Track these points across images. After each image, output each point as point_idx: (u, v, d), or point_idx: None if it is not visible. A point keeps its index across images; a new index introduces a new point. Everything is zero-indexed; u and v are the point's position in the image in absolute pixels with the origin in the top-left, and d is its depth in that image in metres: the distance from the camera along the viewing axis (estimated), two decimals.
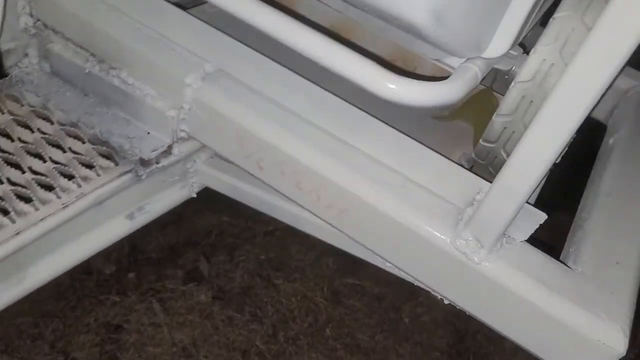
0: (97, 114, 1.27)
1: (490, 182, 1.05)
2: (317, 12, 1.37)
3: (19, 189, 1.07)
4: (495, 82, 1.24)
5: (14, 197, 1.05)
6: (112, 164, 1.17)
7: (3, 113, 1.20)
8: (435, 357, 1.92)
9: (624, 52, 0.74)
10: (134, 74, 1.23)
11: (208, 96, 1.17)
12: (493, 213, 0.96)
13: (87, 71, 1.27)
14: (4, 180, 1.07)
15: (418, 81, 0.84)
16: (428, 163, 1.08)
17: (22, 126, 1.20)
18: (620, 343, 0.93)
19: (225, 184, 1.40)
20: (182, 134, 1.25)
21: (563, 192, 1.58)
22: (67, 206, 1.06)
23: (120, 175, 1.16)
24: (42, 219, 1.03)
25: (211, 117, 1.18)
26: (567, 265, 1.05)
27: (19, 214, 1.03)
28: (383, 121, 1.12)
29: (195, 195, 1.42)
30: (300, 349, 1.84)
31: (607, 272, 1.03)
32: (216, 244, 2.05)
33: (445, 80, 0.84)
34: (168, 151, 1.25)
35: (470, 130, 1.23)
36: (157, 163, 1.23)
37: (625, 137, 1.41)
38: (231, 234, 2.09)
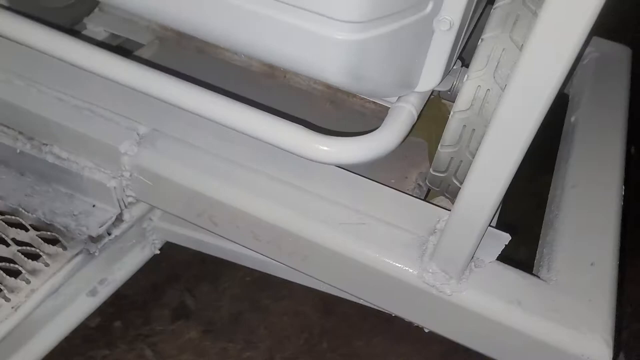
0: (38, 194, 1.21)
1: (448, 210, 1.03)
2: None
3: None
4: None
5: None
6: (60, 250, 1.12)
7: None
8: (435, 350, 1.91)
9: (561, 69, 0.69)
10: (66, 147, 1.17)
11: (147, 161, 1.12)
12: (455, 243, 0.93)
13: (18, 151, 1.21)
14: None
15: (351, 139, 0.79)
16: (383, 197, 1.04)
17: None
18: (604, 355, 0.91)
19: (187, 237, 1.36)
20: (130, 199, 1.20)
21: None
22: (18, 307, 1.01)
23: (71, 259, 1.11)
24: None
25: (155, 180, 1.13)
26: (540, 277, 1.02)
27: None
28: None
29: (158, 252, 1.38)
30: None
31: (582, 278, 1.00)
32: (198, 274, 2.00)
33: (379, 130, 0.80)
34: (119, 219, 1.19)
35: (424, 144, 1.19)
36: (109, 234, 1.18)
37: (585, 115, 1.37)
38: (212, 261, 2.05)
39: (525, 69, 0.71)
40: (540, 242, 1.14)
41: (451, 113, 0.87)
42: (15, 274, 1.07)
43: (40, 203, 1.19)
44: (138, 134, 1.13)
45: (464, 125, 0.87)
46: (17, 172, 1.24)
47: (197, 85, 0.97)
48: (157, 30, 1.39)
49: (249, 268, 2.01)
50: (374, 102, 1.23)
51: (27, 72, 1.19)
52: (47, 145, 1.19)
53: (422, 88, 0.85)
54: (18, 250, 1.10)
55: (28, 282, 1.05)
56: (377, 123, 1.19)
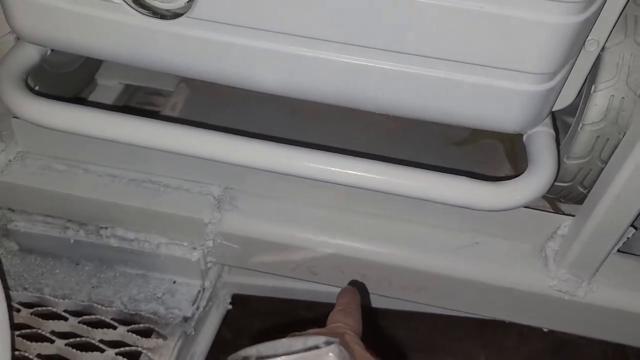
0: (106, 283, 1.09)
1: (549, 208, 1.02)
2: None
3: None
4: None
5: None
6: (160, 341, 1.01)
7: None
8: (474, 321, 1.95)
9: None
10: (133, 228, 1.05)
11: (233, 225, 1.02)
12: (591, 248, 0.93)
13: (72, 241, 1.07)
14: None
15: (511, 181, 0.75)
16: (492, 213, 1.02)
17: (35, 340, 1.00)
18: None
19: (257, 287, 1.28)
20: (209, 265, 1.10)
21: None
22: None
23: (175, 346, 1.01)
24: None
25: (242, 243, 1.04)
26: None
27: None
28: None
29: (230, 307, 1.29)
30: None
31: None
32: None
33: (536, 166, 0.77)
34: (201, 291, 1.10)
35: (498, 144, 1.17)
36: (198, 309, 1.08)
37: None
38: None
39: None
40: None
41: (580, 125, 0.86)
42: None
43: (114, 293, 1.07)
44: (214, 198, 1.03)
45: (598, 137, 0.85)
46: (71, 262, 1.11)
47: (280, 143, 0.88)
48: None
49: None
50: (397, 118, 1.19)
51: (66, 152, 1.04)
52: (106, 228, 1.06)
53: (558, 107, 0.82)
54: (116, 354, 0.99)
55: None
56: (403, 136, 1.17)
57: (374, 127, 1.22)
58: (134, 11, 0.69)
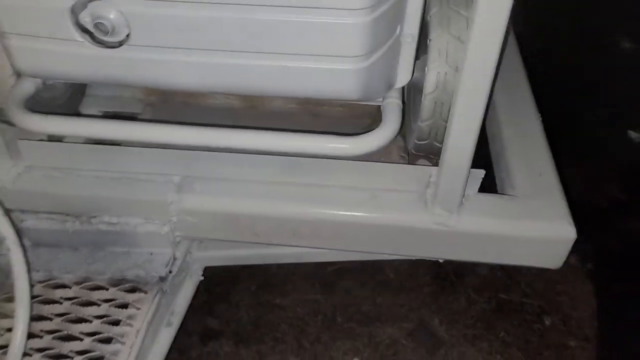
0: (99, 260, 1.42)
1: (431, 164, 1.36)
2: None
3: (87, 354, 1.23)
4: None
5: None
6: (142, 294, 1.34)
7: None
8: (428, 291, 2.26)
9: (497, 48, 1.02)
10: (116, 214, 1.39)
11: (190, 202, 1.36)
12: (449, 186, 1.26)
13: (70, 231, 1.41)
14: (71, 354, 1.22)
15: (368, 134, 1.10)
16: (382, 172, 1.35)
17: (48, 303, 1.33)
18: (571, 230, 1.28)
19: (222, 257, 1.61)
20: (178, 239, 1.43)
21: None
22: (132, 347, 1.24)
23: (153, 299, 1.33)
24: None
25: (199, 217, 1.38)
26: (508, 194, 1.38)
27: None
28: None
29: (202, 278, 1.62)
30: (326, 344, 2.10)
31: (537, 185, 1.37)
32: (210, 299, 2.23)
33: (384, 123, 1.11)
34: (172, 258, 1.43)
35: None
36: (171, 272, 1.41)
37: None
38: (216, 283, 2.27)
39: (472, 51, 1.04)
40: (495, 170, 1.50)
41: (423, 95, 1.20)
42: (116, 323, 1.29)
43: (105, 266, 1.40)
44: (174, 184, 1.37)
45: (435, 102, 1.20)
46: (71, 249, 1.44)
47: (217, 126, 1.22)
48: (143, 98, 1.62)
49: (251, 279, 2.28)
50: (343, 106, 1.54)
51: (61, 163, 1.38)
52: (95, 217, 1.40)
53: (400, 84, 1.17)
54: (110, 305, 1.32)
55: (131, 325, 1.27)
56: (352, 121, 1.51)
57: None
58: (93, 45, 1.05)
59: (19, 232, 1.42)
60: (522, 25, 2.73)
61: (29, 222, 1.42)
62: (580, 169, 2.65)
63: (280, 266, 2.31)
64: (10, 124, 1.38)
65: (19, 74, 1.26)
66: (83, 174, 1.39)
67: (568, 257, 1.44)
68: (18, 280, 1.11)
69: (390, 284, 2.27)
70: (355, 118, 1.55)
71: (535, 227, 1.30)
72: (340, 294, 2.23)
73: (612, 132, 2.79)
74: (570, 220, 1.29)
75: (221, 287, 2.25)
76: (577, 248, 2.41)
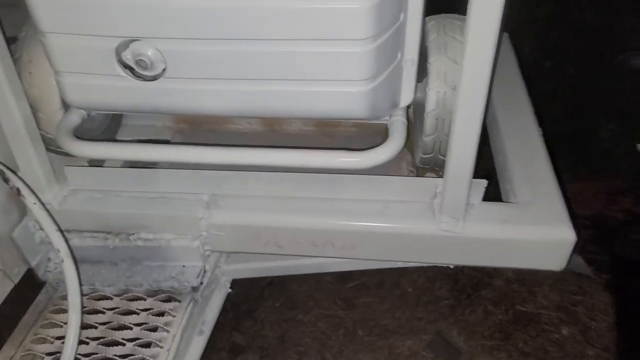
0: (136, 274, 1.55)
1: (437, 177, 1.48)
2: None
3: (131, 357, 1.36)
4: None
5: None
6: (177, 303, 1.47)
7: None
8: (445, 304, 2.35)
9: (488, 66, 1.15)
10: (152, 230, 1.53)
11: (218, 218, 1.50)
12: (455, 195, 1.37)
13: (111, 247, 1.55)
14: (116, 358, 1.35)
15: (375, 149, 1.23)
16: (392, 185, 1.48)
17: (93, 313, 1.46)
18: (571, 232, 1.38)
19: (247, 270, 1.74)
20: (207, 252, 1.57)
21: None
22: (170, 350, 1.36)
23: (187, 307, 1.46)
24: None
25: (226, 231, 1.51)
26: (512, 202, 1.49)
27: None
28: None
29: (230, 290, 1.74)
30: (348, 357, 2.19)
31: (539, 193, 1.48)
32: (236, 316, 2.35)
33: (390, 139, 1.24)
34: (203, 270, 1.56)
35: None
36: (202, 284, 1.54)
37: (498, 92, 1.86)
38: (242, 301, 2.39)
39: (467, 71, 1.17)
40: (499, 182, 1.61)
41: (425, 112, 1.33)
42: (154, 329, 1.42)
43: (142, 279, 1.54)
44: (204, 201, 1.51)
45: (437, 118, 1.33)
46: (111, 264, 1.58)
47: (241, 147, 1.36)
48: (173, 126, 1.78)
49: (274, 297, 2.39)
50: (355, 126, 1.68)
51: (102, 186, 1.54)
52: (133, 234, 1.54)
53: (403, 104, 1.30)
54: (148, 314, 1.45)
55: (168, 331, 1.40)
56: (364, 140, 1.64)
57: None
58: (133, 79, 1.20)
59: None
60: (530, 45, 2.86)
61: (74, 241, 1.57)
62: (595, 183, 2.73)
63: (301, 284, 2.43)
64: (56, 152, 1.55)
65: (66, 108, 1.42)
66: (122, 194, 1.54)
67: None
68: (70, 289, 1.25)
69: (408, 298, 2.36)
70: (366, 136, 1.69)
71: (537, 231, 1.41)
72: (360, 308, 2.34)
73: (624, 147, 2.87)
74: (570, 223, 1.39)
75: (246, 305, 2.37)
76: (593, 259, 2.50)
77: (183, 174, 1.52)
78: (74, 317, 1.23)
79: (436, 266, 2.42)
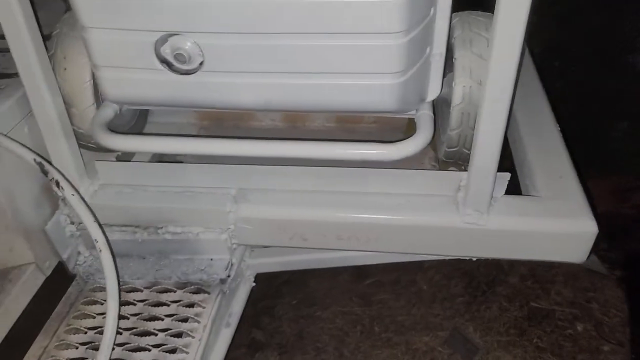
0: (165, 267, 1.58)
1: (460, 170, 1.51)
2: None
3: (163, 347, 1.38)
4: None
5: (167, 353, 1.36)
6: (206, 295, 1.50)
7: (102, 304, 1.49)
8: (461, 301, 2.38)
9: (515, 61, 1.18)
10: (180, 224, 1.56)
11: (246, 211, 1.53)
12: (479, 188, 1.40)
13: (140, 240, 1.58)
14: (148, 347, 1.38)
15: (403, 141, 1.26)
16: (416, 179, 1.51)
17: (124, 305, 1.49)
18: (593, 224, 1.41)
19: (270, 264, 1.77)
20: (234, 246, 1.60)
21: None
22: (201, 340, 1.39)
23: (216, 299, 1.49)
24: (195, 355, 1.35)
25: (254, 224, 1.54)
26: (532, 195, 1.51)
27: None
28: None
29: (254, 284, 1.77)
30: (366, 353, 2.22)
31: (559, 186, 1.51)
32: (255, 312, 2.38)
33: (418, 132, 1.27)
34: (230, 263, 1.59)
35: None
36: (229, 276, 1.57)
37: None
38: (260, 298, 2.42)
39: (494, 66, 1.20)
40: (519, 177, 1.64)
41: (451, 107, 1.36)
42: (184, 320, 1.45)
43: (170, 272, 1.57)
44: (232, 195, 1.54)
45: (462, 113, 1.36)
46: (139, 257, 1.61)
47: (277, 140, 1.39)
48: (196, 123, 1.81)
49: (292, 294, 2.42)
50: (376, 122, 1.71)
51: (131, 180, 1.57)
52: (161, 228, 1.57)
53: (430, 98, 1.34)
54: (178, 305, 1.48)
55: (198, 322, 1.43)
56: (384, 136, 1.67)
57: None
58: (171, 73, 1.24)
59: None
60: (539, 45, 2.89)
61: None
62: (607, 182, 2.76)
63: (318, 281, 2.46)
64: (87, 148, 1.58)
65: (97, 104, 1.46)
66: (150, 189, 1.57)
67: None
68: (109, 278, 1.28)
69: (424, 295, 2.39)
70: (386, 133, 1.72)
71: (559, 223, 1.43)
72: (377, 305, 2.37)
73: (634, 146, 2.90)
74: (592, 216, 1.42)
75: (264, 302, 2.41)
76: (606, 256, 2.52)
77: (210, 168, 1.55)
78: (112, 305, 1.26)
79: (451, 264, 2.47)
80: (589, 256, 1.99)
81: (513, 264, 2.51)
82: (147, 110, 1.80)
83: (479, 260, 2.50)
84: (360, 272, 2.48)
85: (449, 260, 2.49)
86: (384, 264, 2.47)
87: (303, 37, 1.14)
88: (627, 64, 2.86)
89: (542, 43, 2.87)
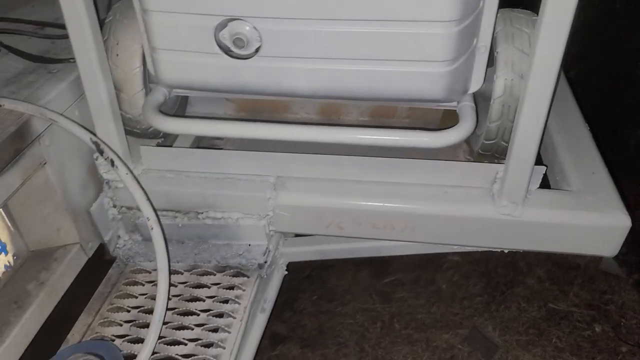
0: (204, 251, 1.62)
1: (497, 163, 1.55)
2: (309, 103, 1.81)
3: (205, 326, 1.42)
4: None
5: (209, 332, 1.40)
6: (245, 278, 1.53)
7: (143, 285, 1.53)
8: (480, 300, 2.41)
9: (558, 59, 1.23)
10: (220, 209, 1.60)
11: (285, 199, 1.57)
12: (516, 180, 1.44)
13: (180, 225, 1.62)
14: (191, 326, 1.41)
15: (447, 130, 1.30)
16: (452, 170, 1.55)
17: None
18: (625, 219, 1.45)
19: (305, 252, 1.81)
20: (271, 233, 1.63)
21: None
22: (242, 321, 1.42)
23: (255, 282, 1.53)
24: (237, 335, 1.38)
25: (292, 211, 1.58)
26: (566, 190, 1.55)
27: (219, 344, 1.38)
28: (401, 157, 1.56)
29: (286, 272, 1.81)
30: (386, 349, 2.25)
31: (591, 182, 1.55)
32: (277, 306, 2.40)
33: (461, 122, 1.32)
34: (267, 249, 1.63)
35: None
36: (266, 262, 1.60)
37: None
38: (282, 292, 2.45)
39: (537, 60, 1.24)
40: (549, 175, 1.68)
41: (492, 99, 1.41)
42: (225, 301, 1.48)
43: (209, 256, 1.61)
44: (271, 183, 1.58)
45: (503, 105, 1.40)
46: (178, 242, 1.65)
47: (319, 124, 1.43)
48: (234, 114, 1.86)
49: (312, 290, 2.45)
50: (407, 117, 1.76)
51: (173, 166, 1.61)
52: (202, 213, 1.61)
53: (473, 90, 1.38)
54: (218, 287, 1.51)
55: (239, 303, 1.46)
56: None
57: None
58: (228, 57, 1.28)
59: (134, 228, 1.65)
60: None
61: (144, 219, 1.63)
62: (623, 188, 2.79)
63: (339, 277, 2.50)
64: (131, 134, 1.62)
65: (146, 91, 1.51)
66: (192, 174, 1.61)
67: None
68: (159, 254, 1.32)
69: (443, 295, 2.43)
70: (419, 128, 1.77)
71: (593, 216, 1.48)
72: (397, 303, 2.40)
73: None
74: (625, 210, 1.46)
75: (285, 297, 2.43)
76: (623, 260, 2.55)
77: (249, 155, 1.59)
78: (162, 280, 1.30)
79: (470, 264, 2.50)
80: (605, 258, 2.02)
81: (531, 266, 2.55)
82: (186, 101, 1.84)
83: (497, 262, 2.53)
84: (379, 271, 2.51)
85: (467, 260, 2.53)
86: (403, 263, 2.52)
87: (361, 23, 1.18)
88: None
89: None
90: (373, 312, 2.39)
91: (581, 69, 3.02)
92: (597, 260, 2.50)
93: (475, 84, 1.38)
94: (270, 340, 2.30)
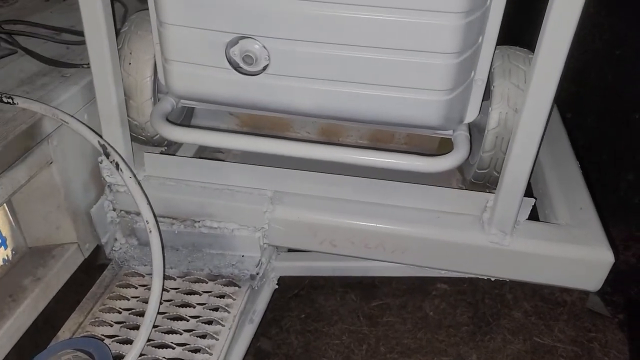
0: (197, 259, 1.66)
1: (487, 192, 1.60)
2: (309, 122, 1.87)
3: (194, 332, 1.45)
4: None
5: (197, 338, 1.43)
6: (236, 288, 1.57)
7: (136, 288, 1.56)
8: (466, 330, 2.43)
9: (551, 94, 1.29)
10: (217, 219, 1.64)
11: (281, 213, 1.61)
12: (506, 209, 1.49)
13: (176, 232, 1.66)
14: (180, 331, 1.44)
15: (441, 156, 1.35)
16: (445, 197, 1.59)
17: None
18: (609, 254, 1.50)
19: (294, 268, 1.84)
20: (265, 245, 1.67)
21: None
22: (231, 329, 1.45)
23: (245, 292, 1.56)
24: (224, 342, 1.41)
25: (287, 226, 1.62)
26: (553, 223, 1.60)
27: (207, 350, 1.41)
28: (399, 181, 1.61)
29: (277, 286, 1.84)
30: None
31: (579, 217, 1.60)
32: (263, 322, 2.43)
33: (455, 150, 1.37)
34: (260, 261, 1.66)
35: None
36: (258, 274, 1.64)
37: None
38: (269, 309, 2.47)
39: (531, 95, 1.30)
40: (538, 207, 1.73)
41: (486, 130, 1.47)
42: (215, 309, 1.51)
43: (203, 264, 1.64)
44: (268, 197, 1.63)
45: (497, 136, 1.46)
46: (172, 248, 1.68)
47: (317, 142, 1.48)
48: (237, 129, 1.91)
49: (300, 309, 2.48)
50: (405, 143, 1.81)
51: (174, 174, 1.66)
52: (199, 221, 1.65)
53: (468, 120, 1.44)
54: (209, 295, 1.54)
55: (228, 312, 1.49)
56: None
57: None
58: (236, 72, 1.34)
59: (131, 232, 1.68)
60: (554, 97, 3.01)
61: (141, 224, 1.67)
62: (612, 229, 2.84)
63: (327, 298, 2.52)
64: (136, 140, 1.67)
65: (155, 99, 1.56)
66: (192, 183, 1.65)
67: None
68: (155, 257, 1.35)
69: (430, 321, 2.45)
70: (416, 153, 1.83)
71: (578, 250, 1.52)
72: (384, 327, 2.42)
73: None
74: (609, 246, 1.51)
75: (273, 314, 2.46)
76: (609, 299, 2.59)
77: (249, 168, 1.63)
78: (157, 282, 1.33)
79: (457, 293, 2.54)
80: (591, 297, 2.06)
81: (518, 299, 2.58)
82: (191, 113, 1.90)
83: (484, 293, 2.57)
84: (368, 294, 2.54)
85: (455, 290, 2.56)
86: (392, 288, 2.55)
87: (366, 50, 1.24)
88: (636, 121, 2.98)
89: (556, 94, 2.99)
90: (360, 334, 2.41)
91: (577, 112, 3.10)
92: (583, 298, 2.54)
93: (471, 115, 1.44)
94: (256, 356, 2.31)
